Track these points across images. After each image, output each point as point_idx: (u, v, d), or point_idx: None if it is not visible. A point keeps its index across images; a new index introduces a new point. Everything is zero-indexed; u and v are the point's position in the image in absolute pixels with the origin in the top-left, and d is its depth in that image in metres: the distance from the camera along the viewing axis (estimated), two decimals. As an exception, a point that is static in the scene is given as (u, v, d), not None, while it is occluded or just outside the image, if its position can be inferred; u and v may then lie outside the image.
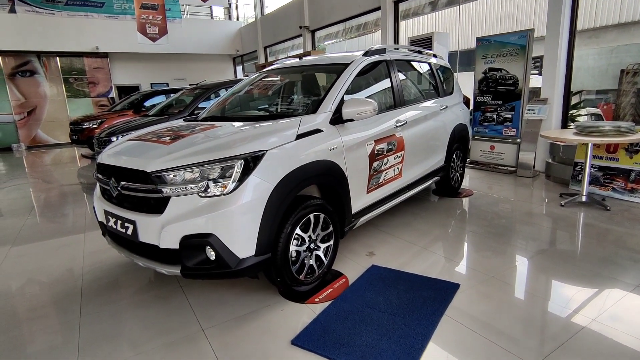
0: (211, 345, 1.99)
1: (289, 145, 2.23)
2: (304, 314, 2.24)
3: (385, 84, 3.36)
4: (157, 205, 2.08)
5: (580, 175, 4.46)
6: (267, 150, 2.12)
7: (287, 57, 3.17)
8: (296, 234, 2.28)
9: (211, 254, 2.00)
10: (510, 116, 5.64)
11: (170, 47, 13.67)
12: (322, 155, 2.41)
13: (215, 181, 2.01)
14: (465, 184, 5.09)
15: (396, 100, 3.34)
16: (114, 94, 13.81)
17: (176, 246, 2.01)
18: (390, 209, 3.60)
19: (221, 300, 2.41)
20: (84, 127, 9.03)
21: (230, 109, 3.29)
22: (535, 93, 5.85)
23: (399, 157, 3.26)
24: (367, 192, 2.95)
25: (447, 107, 4.14)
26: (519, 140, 5.56)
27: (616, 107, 5.08)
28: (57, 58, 12.70)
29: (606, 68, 5.35)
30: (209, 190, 2.00)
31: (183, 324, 2.19)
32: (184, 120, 3.15)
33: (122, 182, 2.22)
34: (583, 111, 6.71)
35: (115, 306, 2.43)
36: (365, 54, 3.19)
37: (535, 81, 6.38)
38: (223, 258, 1.98)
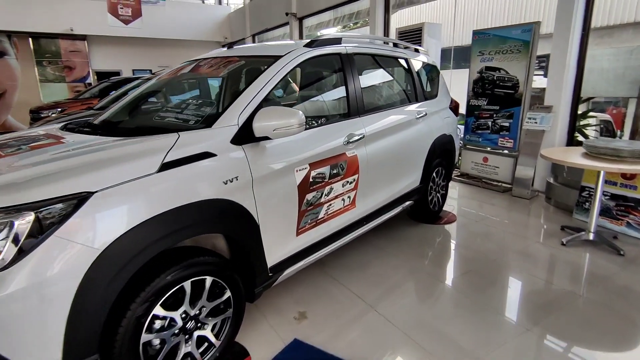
0: None
1: (143, 181, 1.44)
2: None
3: (337, 85, 2.55)
4: None
5: (587, 203, 3.66)
6: (93, 192, 1.32)
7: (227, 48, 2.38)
8: (155, 314, 1.51)
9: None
10: (507, 124, 4.82)
11: (151, 31, 12.80)
12: (208, 192, 1.62)
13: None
14: (450, 202, 4.30)
15: (351, 107, 2.53)
16: (91, 79, 12.98)
17: None
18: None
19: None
20: (42, 115, 8.24)
21: (119, 113, 2.45)
22: (538, 98, 5.02)
23: (351, 182, 2.47)
24: (298, 234, 2.16)
25: (426, 114, 3.33)
26: (516, 153, 4.75)
27: (635, 118, 4.25)
28: (30, 39, 11.85)
29: (623, 72, 4.51)
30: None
31: None
32: (62, 126, 2.33)
33: None
34: (593, 120, 5.87)
35: None
36: (310, 44, 2.38)
37: (538, 83, 5.55)
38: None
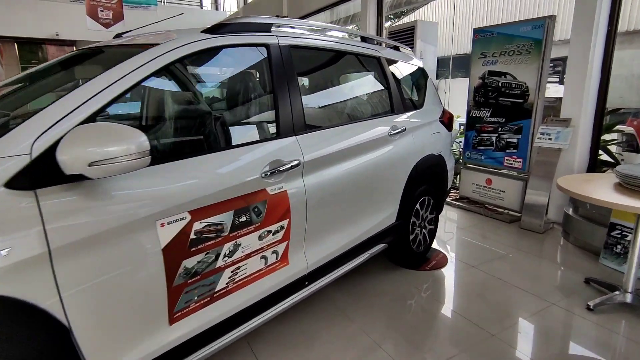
0: None
1: None
2: None
3: (260, 90, 1.79)
4: None
5: (618, 247, 2.80)
6: None
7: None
8: None
9: None
10: (515, 140, 3.99)
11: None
12: None
13: None
14: (448, 228, 3.47)
15: (282, 123, 1.76)
16: (80, 86, 12.49)
17: None
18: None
19: None
20: (9, 124, 7.68)
21: None
22: (552, 109, 4.19)
23: (277, 232, 1.69)
24: (173, 322, 1.38)
25: (404, 129, 2.53)
26: (526, 174, 3.91)
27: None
28: (15, 44, 11.43)
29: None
30: None
31: None
32: None
33: None
34: (617, 135, 5.00)
35: None
36: (213, 29, 1.63)
37: (553, 91, 4.72)
38: None
